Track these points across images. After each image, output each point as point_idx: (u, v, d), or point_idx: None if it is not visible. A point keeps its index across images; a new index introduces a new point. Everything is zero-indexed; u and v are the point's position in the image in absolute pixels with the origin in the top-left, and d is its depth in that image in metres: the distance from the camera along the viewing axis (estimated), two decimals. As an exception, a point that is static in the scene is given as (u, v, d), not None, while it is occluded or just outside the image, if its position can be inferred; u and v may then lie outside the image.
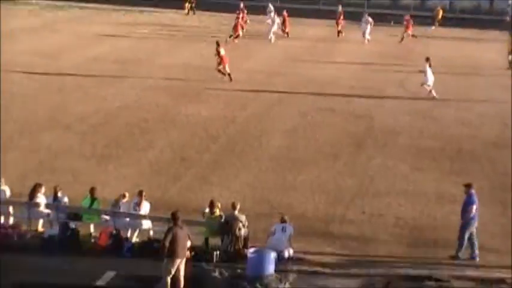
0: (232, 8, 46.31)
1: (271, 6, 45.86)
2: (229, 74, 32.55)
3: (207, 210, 17.49)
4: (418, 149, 24.89)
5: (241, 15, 43.34)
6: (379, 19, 47.93)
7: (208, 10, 51.55)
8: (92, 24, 46.89)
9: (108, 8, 53.15)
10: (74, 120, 26.44)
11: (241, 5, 45.80)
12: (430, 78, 31.00)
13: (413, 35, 44.47)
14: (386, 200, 20.64)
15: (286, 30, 44.13)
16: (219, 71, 32.50)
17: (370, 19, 43.42)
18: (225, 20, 47.07)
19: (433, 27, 50.13)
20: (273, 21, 43.57)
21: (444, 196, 20.82)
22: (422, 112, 29.31)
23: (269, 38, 42.74)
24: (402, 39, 44.12)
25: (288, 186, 21.36)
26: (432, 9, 52.71)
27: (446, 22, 50.38)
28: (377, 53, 40.85)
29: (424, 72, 31.16)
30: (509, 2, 52.07)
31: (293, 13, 50.13)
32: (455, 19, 52.44)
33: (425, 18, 51.31)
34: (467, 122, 28.27)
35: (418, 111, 29.37)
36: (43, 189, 18.04)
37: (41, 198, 17.88)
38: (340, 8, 45.41)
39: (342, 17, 44.70)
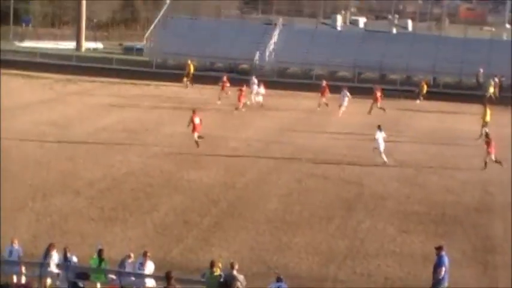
0: (233, 82, 46.92)
1: (254, 79, 46.97)
2: (196, 141, 32.85)
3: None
4: (405, 213, 25.04)
5: (244, 88, 44.10)
6: (368, 92, 48.44)
7: (209, 84, 52.05)
8: (101, 96, 47.41)
9: (117, 82, 53.83)
10: (83, 185, 26.62)
11: (224, 77, 47.03)
12: (381, 144, 31.58)
13: (371, 109, 44.83)
14: (376, 261, 20.71)
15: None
16: (197, 139, 32.86)
17: (348, 93, 43.92)
18: (225, 92, 47.59)
19: (419, 101, 50.73)
20: (256, 92, 45.07)
21: (429, 258, 20.75)
22: (409, 179, 29.55)
23: (252, 103, 44.40)
24: (383, 108, 44.43)
25: (283, 247, 21.43)
26: (417, 84, 53.43)
27: (431, 96, 50.99)
28: (366, 124, 41.15)
29: (375, 138, 31.75)
30: (495, 79, 52.84)
31: (289, 87, 50.98)
32: (439, 93, 53.05)
33: (411, 92, 52.01)
34: (450, 189, 28.47)
35: (405, 178, 29.62)
36: (55, 249, 18.13)
37: (55, 256, 17.94)
38: (324, 83, 46.12)
39: (327, 91, 45.31)
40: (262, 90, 45.30)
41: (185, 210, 24.30)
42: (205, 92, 49.81)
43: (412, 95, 51.32)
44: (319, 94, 45.27)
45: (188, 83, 52.31)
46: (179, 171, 29.11)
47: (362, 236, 22.61)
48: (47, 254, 17.95)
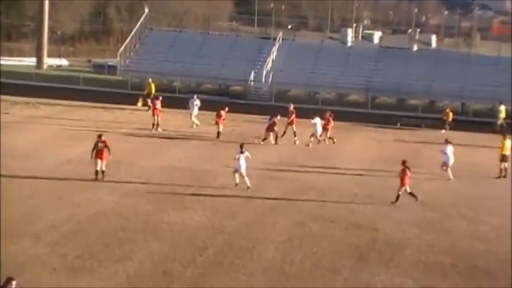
0: (222, 106, 47.17)
1: (195, 98, 49.53)
2: (102, 172, 33.41)
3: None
4: (427, 265, 25.09)
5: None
6: (384, 120, 48.80)
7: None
8: (66, 122, 47.58)
9: (84, 105, 54.08)
10: (43, 228, 26.62)
11: (158, 100, 48.19)
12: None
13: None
14: (392, 322, 20.76)
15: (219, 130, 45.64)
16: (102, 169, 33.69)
17: (319, 121, 44.11)
18: (213, 119, 47.82)
19: (444, 131, 50.97)
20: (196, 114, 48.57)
21: (456, 318, 20.96)
22: (432, 223, 29.65)
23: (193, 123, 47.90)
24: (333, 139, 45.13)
25: (282, 304, 21.48)
26: (442, 111, 53.77)
27: (458, 125, 51.26)
28: (381, 157, 41.45)
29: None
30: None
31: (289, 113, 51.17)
32: (469, 122, 53.43)
33: (435, 121, 52.29)
34: (482, 236, 28.55)
35: (428, 223, 29.71)
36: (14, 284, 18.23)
37: None
38: (291, 107, 46.37)
39: (293, 116, 45.62)
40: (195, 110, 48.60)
41: (165, 259, 24.32)
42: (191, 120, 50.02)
43: (436, 123, 51.62)
44: (287, 120, 45.61)
45: (145, 105, 52.84)
46: (158, 212, 29.18)
47: (376, 292, 22.68)
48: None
